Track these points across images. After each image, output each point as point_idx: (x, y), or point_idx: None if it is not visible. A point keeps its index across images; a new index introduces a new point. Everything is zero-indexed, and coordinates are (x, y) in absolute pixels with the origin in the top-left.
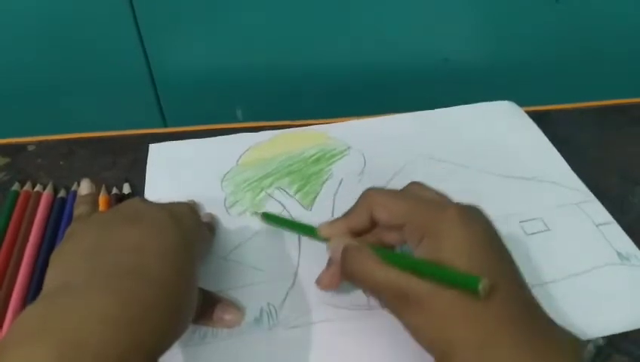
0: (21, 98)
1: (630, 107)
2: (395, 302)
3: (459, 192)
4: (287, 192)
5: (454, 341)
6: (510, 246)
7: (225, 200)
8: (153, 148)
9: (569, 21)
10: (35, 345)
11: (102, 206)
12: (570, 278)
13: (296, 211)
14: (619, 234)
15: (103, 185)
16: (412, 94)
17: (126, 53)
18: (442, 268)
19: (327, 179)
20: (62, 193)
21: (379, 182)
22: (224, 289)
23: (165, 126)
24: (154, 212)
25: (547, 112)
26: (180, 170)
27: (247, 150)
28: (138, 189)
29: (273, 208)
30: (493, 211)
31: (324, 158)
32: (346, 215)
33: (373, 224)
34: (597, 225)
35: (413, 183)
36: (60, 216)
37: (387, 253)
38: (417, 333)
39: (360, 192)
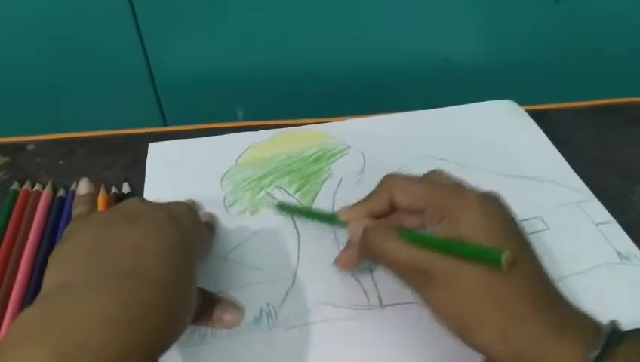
0: (21, 98)
1: (630, 107)
2: (415, 279)
3: None
4: (286, 191)
5: (476, 315)
6: None
7: (224, 199)
8: (153, 147)
9: (569, 21)
10: (35, 346)
11: (101, 205)
12: (570, 277)
13: None
14: (619, 233)
15: (103, 185)
16: (412, 94)
17: (126, 53)
18: (464, 243)
19: (326, 179)
20: (61, 192)
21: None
22: (224, 289)
23: (165, 126)
24: (152, 212)
25: (546, 111)
26: (180, 170)
27: (246, 149)
28: (138, 189)
29: (273, 208)
30: None
31: (324, 158)
32: (366, 199)
33: (393, 208)
34: (597, 225)
35: (433, 171)
36: (59, 215)
37: (407, 232)
38: (438, 309)
39: (360, 192)
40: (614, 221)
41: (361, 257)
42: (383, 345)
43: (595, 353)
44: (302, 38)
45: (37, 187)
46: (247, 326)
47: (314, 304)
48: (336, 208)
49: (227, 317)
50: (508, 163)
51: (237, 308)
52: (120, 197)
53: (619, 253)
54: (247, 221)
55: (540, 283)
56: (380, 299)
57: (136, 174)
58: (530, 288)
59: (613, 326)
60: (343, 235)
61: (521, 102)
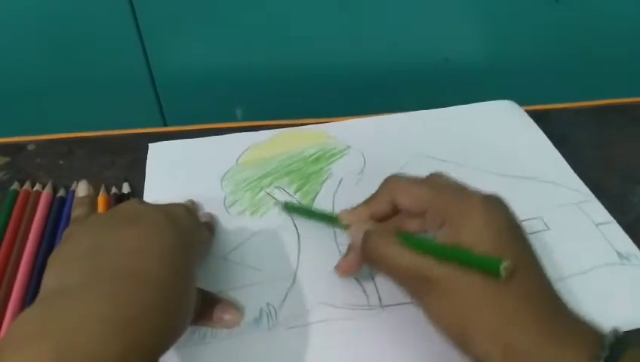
0: (21, 98)
1: (630, 107)
2: (414, 286)
3: None
4: (286, 191)
5: (474, 324)
6: None
7: (224, 199)
8: (153, 147)
9: (569, 21)
10: (34, 347)
11: (101, 205)
12: (570, 278)
13: None
14: (619, 233)
15: (103, 185)
16: (412, 94)
17: (126, 53)
18: (463, 250)
19: (326, 179)
20: (61, 192)
21: (379, 182)
22: (224, 289)
23: (165, 126)
24: (151, 213)
25: (547, 112)
26: (180, 170)
27: (246, 149)
28: (137, 189)
29: (273, 208)
30: None
31: (324, 158)
32: (368, 201)
33: (395, 211)
34: (597, 225)
35: (436, 173)
36: (59, 216)
37: (408, 237)
38: (437, 317)
39: (360, 192)
40: (614, 221)
41: (363, 262)
42: (382, 345)
43: None
44: (302, 38)
45: (37, 187)
46: (247, 326)
47: (314, 304)
48: (337, 208)
49: (227, 317)
50: (508, 163)
51: (237, 308)
52: (120, 198)
53: (619, 254)
54: (247, 221)
55: (542, 293)
56: (379, 299)
57: (136, 174)
58: (531, 297)
59: (616, 336)
60: (342, 235)
61: (521, 103)
